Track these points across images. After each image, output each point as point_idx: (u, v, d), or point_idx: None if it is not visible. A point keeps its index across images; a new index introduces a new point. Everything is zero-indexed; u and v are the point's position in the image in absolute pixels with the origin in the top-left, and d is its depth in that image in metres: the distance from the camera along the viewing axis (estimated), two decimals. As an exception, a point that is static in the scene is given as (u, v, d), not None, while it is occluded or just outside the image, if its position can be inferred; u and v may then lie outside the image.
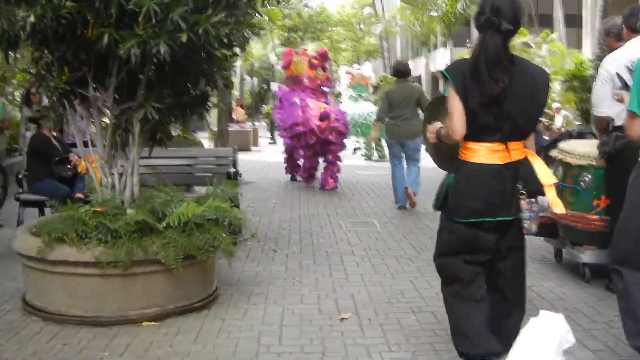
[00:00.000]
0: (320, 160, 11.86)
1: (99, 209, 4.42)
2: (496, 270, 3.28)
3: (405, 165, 9.02)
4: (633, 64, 3.49)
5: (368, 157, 17.82)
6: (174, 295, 4.43)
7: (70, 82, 4.51)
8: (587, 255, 5.17)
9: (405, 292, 5.15)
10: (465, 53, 30.13)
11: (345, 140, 11.70)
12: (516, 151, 3.11)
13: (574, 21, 27.94)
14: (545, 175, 3.15)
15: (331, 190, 11.23)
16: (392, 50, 65.19)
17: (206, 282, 4.80)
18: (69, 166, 6.87)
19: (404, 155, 8.97)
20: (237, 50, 4.96)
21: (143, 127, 4.79)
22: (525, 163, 3.14)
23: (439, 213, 3.43)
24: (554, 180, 3.20)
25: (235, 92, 26.30)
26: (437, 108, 3.53)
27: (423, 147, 5.66)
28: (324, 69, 12.16)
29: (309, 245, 6.86)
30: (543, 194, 3.15)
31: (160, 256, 4.19)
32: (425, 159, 5.85)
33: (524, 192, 3.08)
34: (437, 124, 3.35)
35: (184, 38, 4.13)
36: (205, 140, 16.28)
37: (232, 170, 6.94)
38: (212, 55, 4.60)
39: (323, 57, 12.24)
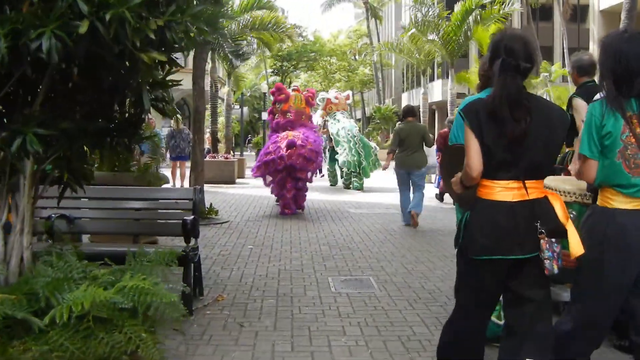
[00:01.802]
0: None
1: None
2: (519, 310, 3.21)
3: (411, 191, 10.61)
4: None
5: (333, 184, 19.41)
6: None
7: None
8: (569, 294, 4.81)
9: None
10: (466, 74, 28.83)
11: (315, 166, 12.24)
12: (533, 189, 3.08)
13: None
14: (563, 214, 3.10)
15: (299, 215, 9.65)
16: (387, 81, 64.37)
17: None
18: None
19: (410, 182, 10.57)
20: (177, 55, 3.42)
21: (37, 163, 3.23)
22: (543, 202, 3.10)
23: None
24: (569, 225, 3.10)
25: (221, 119, 24.78)
26: (456, 158, 3.44)
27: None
28: (311, 106, 13.87)
29: (286, 319, 5.26)
30: (563, 234, 3.07)
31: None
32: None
33: (542, 231, 3.00)
34: (459, 175, 3.28)
35: (84, 28, 2.62)
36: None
37: (189, 218, 5.35)
38: (136, 60, 3.04)
39: (314, 96, 14.12)
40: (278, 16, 22.89)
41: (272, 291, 6.14)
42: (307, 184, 12.41)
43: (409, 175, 10.53)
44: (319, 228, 10.50)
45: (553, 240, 3.02)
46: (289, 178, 11.82)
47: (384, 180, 20.62)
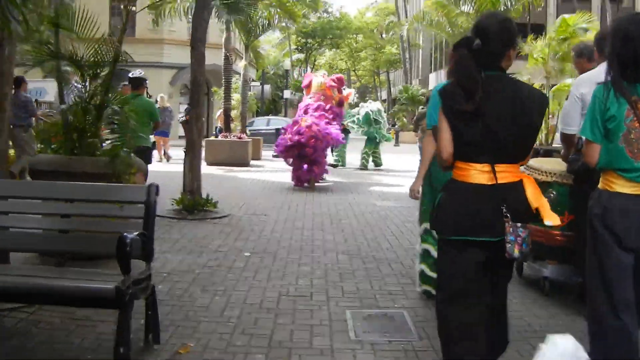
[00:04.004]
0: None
1: None
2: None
3: None
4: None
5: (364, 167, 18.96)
6: None
7: None
8: (549, 270, 5.30)
9: None
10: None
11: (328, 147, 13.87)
12: (505, 173, 3.05)
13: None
14: (534, 198, 3.07)
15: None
16: (415, 62, 61.83)
17: None
18: None
19: None
20: None
21: None
22: (515, 186, 3.08)
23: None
24: (541, 201, 3.08)
25: (237, 96, 22.80)
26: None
27: None
28: (339, 91, 14.25)
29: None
30: (530, 218, 3.07)
31: None
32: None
33: (507, 215, 2.97)
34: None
35: None
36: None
37: (130, 235, 3.43)
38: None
39: (340, 81, 14.52)
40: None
41: (264, 336, 4.23)
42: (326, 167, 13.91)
43: None
44: (337, 227, 8.59)
45: (518, 224, 2.97)
46: (300, 156, 12.95)
47: (402, 162, 19.87)
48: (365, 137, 18.98)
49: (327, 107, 13.75)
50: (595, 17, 23.79)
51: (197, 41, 9.32)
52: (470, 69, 3.03)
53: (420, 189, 4.93)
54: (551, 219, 3.08)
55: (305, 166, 13.12)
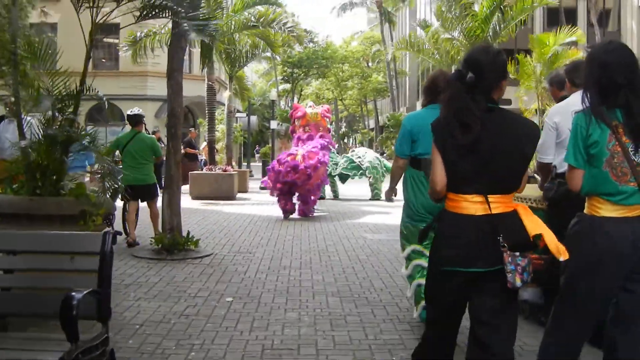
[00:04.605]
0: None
1: None
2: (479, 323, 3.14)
3: None
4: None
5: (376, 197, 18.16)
6: None
7: None
8: (528, 293, 5.38)
9: None
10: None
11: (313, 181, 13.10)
12: (498, 204, 3.04)
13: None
14: (532, 227, 3.05)
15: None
16: (402, 89, 61.71)
17: None
18: None
19: None
20: None
21: None
22: (508, 216, 3.06)
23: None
24: (541, 230, 3.05)
25: (222, 127, 22.21)
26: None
27: None
28: (327, 118, 14.82)
29: None
30: (528, 247, 3.04)
31: None
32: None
33: (505, 245, 2.96)
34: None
35: None
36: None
37: (78, 295, 2.86)
38: None
39: (329, 110, 15.09)
40: (279, 11, 20.49)
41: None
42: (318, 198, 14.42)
43: None
44: (327, 265, 8.04)
45: (517, 253, 2.96)
46: (290, 191, 13.15)
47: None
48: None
49: (318, 135, 14.20)
50: (581, 30, 23.62)
51: (174, 70, 8.85)
52: (468, 102, 3.04)
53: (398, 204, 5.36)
54: (561, 254, 3.06)
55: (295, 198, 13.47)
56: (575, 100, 4.01)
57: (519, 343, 4.70)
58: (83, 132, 6.01)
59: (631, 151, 3.17)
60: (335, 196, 18.64)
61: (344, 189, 19.59)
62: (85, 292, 3.00)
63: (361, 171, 18.43)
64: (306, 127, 14.30)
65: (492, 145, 3.01)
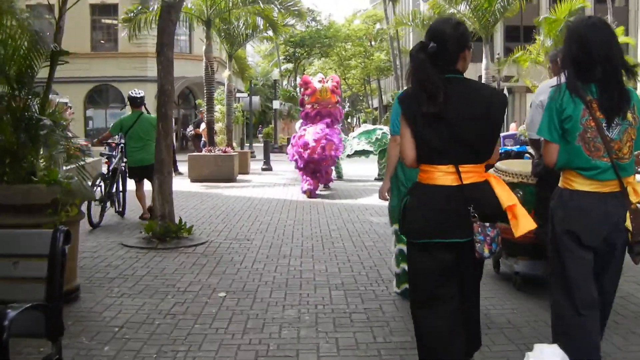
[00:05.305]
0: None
1: None
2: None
3: None
4: None
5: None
6: None
7: None
8: (520, 265, 5.64)
9: None
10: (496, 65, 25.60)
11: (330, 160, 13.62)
12: (470, 174, 3.07)
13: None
14: (506, 197, 3.10)
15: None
16: (406, 67, 60.77)
17: None
18: None
19: None
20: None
21: None
22: (482, 186, 3.09)
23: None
24: (513, 201, 3.11)
25: (221, 107, 21.50)
26: None
27: None
28: (337, 94, 14.10)
29: None
30: (498, 218, 3.10)
31: None
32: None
33: (475, 215, 2.99)
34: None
35: None
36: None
37: (12, 312, 2.27)
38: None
39: (338, 84, 14.28)
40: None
41: None
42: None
43: None
44: (330, 253, 7.45)
45: (487, 224, 3.00)
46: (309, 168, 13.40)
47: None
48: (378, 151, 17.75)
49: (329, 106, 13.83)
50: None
51: (164, 45, 8.20)
52: (430, 72, 3.05)
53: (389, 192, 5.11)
54: (518, 230, 3.08)
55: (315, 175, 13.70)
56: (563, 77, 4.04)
57: (512, 306, 5.21)
58: (48, 113, 5.36)
59: (604, 127, 3.17)
60: (339, 177, 18.01)
61: (348, 169, 19.01)
62: (25, 306, 2.41)
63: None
64: (315, 105, 13.70)
65: (459, 114, 3.03)
